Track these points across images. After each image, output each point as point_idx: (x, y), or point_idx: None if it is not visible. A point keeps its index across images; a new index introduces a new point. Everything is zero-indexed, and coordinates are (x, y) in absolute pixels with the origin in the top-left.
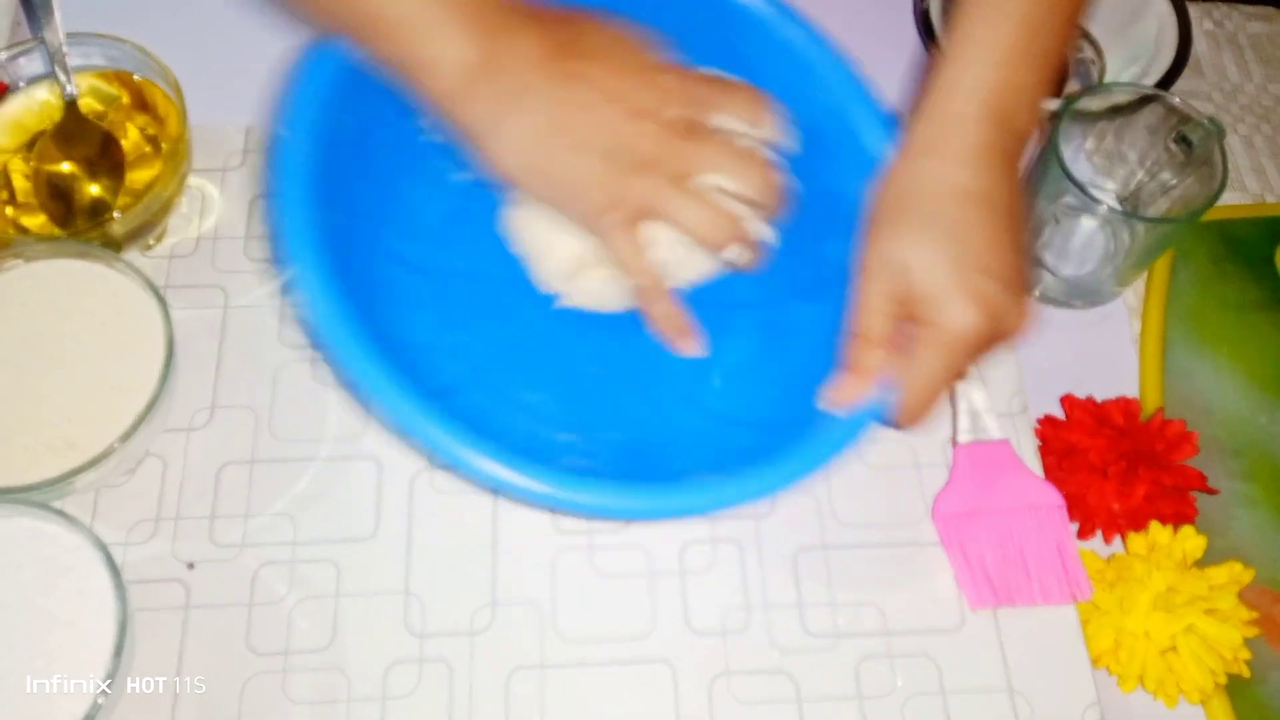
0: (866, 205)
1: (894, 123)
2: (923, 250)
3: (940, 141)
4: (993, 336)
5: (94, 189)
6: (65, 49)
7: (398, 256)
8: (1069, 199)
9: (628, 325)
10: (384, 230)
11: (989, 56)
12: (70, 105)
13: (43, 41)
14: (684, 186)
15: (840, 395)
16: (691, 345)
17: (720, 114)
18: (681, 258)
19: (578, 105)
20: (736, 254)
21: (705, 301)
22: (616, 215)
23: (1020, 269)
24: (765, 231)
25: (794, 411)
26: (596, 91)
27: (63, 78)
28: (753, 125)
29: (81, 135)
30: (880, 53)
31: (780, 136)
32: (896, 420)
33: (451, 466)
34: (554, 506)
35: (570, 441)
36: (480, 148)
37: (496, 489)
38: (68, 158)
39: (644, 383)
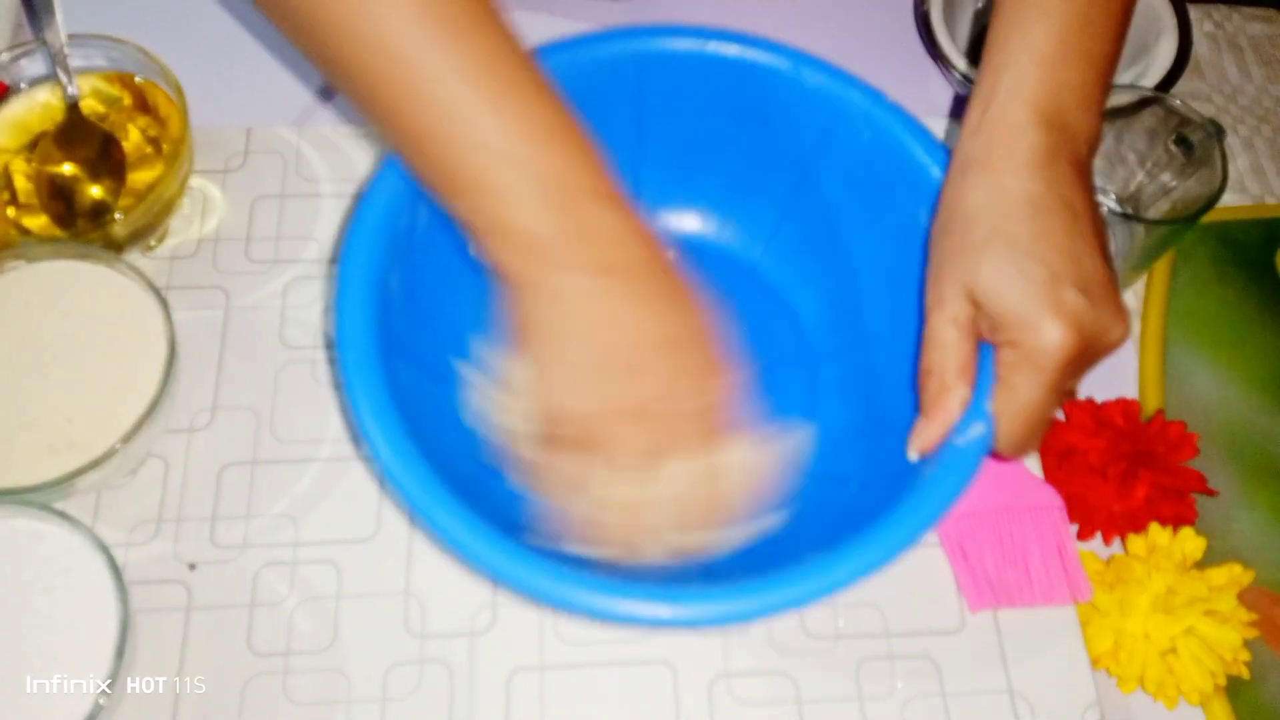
0: (927, 232)
1: (944, 144)
2: (994, 271)
3: (991, 152)
4: (1089, 352)
5: (95, 190)
6: (67, 50)
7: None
8: None
9: None
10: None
11: (1029, 58)
12: (72, 106)
13: (44, 43)
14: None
15: (923, 441)
16: None
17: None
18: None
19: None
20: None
21: (789, 361)
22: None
23: (1105, 276)
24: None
25: (899, 463)
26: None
27: (64, 79)
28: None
29: (83, 136)
30: (880, 54)
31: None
32: (1000, 452)
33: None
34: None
35: None
36: (516, 317)
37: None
38: (69, 159)
39: None
